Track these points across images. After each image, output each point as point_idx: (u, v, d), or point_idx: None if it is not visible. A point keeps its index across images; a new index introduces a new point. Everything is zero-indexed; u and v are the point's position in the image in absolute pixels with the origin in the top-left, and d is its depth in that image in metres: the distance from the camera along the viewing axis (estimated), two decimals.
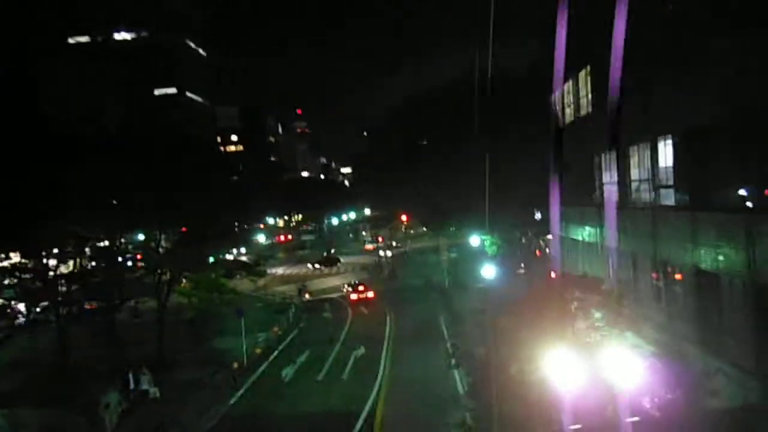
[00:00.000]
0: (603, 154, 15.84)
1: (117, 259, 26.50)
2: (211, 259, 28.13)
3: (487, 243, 27.56)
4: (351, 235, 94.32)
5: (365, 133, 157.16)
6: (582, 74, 16.99)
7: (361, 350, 24.96)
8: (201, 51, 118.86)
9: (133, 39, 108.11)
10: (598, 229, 16.65)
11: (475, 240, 26.60)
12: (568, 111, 19.06)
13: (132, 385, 19.66)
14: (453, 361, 21.07)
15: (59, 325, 24.50)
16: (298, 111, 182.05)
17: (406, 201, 48.93)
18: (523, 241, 29.83)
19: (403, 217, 61.18)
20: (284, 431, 17.17)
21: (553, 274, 23.94)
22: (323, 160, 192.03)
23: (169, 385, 21.48)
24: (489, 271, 16.85)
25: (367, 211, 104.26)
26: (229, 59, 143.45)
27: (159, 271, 25.25)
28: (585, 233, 18.48)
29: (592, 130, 15.99)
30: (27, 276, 24.35)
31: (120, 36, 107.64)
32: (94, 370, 23.55)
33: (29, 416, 17.78)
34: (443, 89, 38.31)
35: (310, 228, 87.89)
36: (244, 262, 32.76)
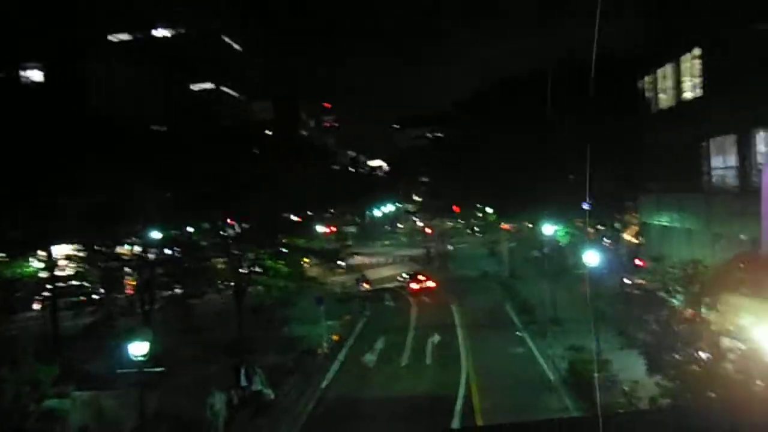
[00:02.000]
0: (713, 139, 15.64)
1: (196, 247, 27.32)
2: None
3: (560, 232, 27.43)
4: (387, 227, 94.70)
5: (396, 126, 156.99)
6: (686, 57, 16.76)
7: (436, 338, 25.29)
8: (236, 46, 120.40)
9: (171, 36, 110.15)
10: (700, 215, 16.45)
11: (548, 229, 26.59)
12: (663, 96, 18.82)
13: (244, 383, 17.87)
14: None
15: (144, 312, 25.39)
16: (326, 105, 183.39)
17: (456, 192, 48.96)
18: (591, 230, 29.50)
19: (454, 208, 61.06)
20: (385, 413, 17.52)
21: (639, 262, 23.86)
22: (351, 153, 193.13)
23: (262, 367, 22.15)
24: (592, 258, 16.80)
25: (399, 205, 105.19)
26: (262, 54, 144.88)
27: (238, 260, 25.99)
28: (680, 219, 18.28)
29: (699, 114, 15.78)
30: (115, 263, 25.30)
31: (158, 33, 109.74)
32: (182, 355, 24.36)
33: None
34: (501, 79, 38.18)
35: (349, 220, 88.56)
36: (327, 251, 33.36)
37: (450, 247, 53.54)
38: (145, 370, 11.93)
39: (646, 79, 19.85)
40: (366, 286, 37.69)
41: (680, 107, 17.63)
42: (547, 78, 28.05)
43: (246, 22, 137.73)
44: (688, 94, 16.96)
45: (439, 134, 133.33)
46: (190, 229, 30.43)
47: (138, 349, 11.21)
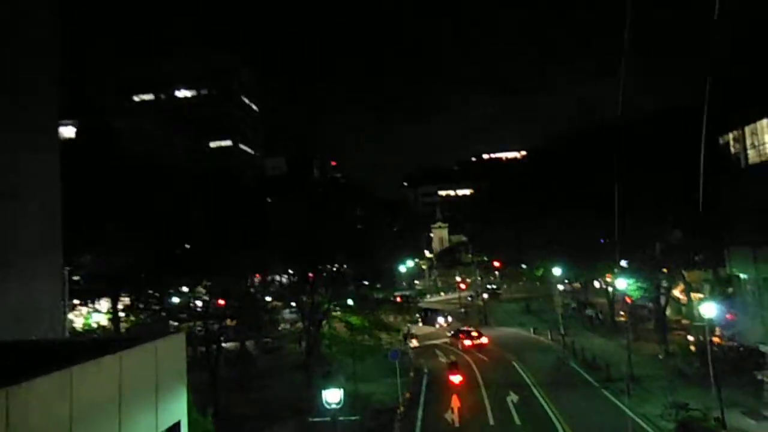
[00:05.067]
0: None
1: (262, 300, 26.88)
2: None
3: (631, 287, 27.19)
4: (404, 284, 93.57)
5: (405, 184, 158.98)
6: None
7: (514, 397, 24.35)
8: (254, 106, 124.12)
9: (192, 96, 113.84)
10: None
11: (621, 283, 26.40)
12: (753, 152, 19.23)
13: None
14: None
15: (210, 366, 24.57)
16: (333, 162, 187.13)
17: (491, 246, 48.80)
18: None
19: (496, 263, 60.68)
20: None
21: (728, 315, 23.39)
22: (358, 211, 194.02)
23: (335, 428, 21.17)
24: (709, 309, 16.53)
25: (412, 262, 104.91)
26: (276, 113, 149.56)
27: (309, 312, 25.50)
28: None
29: None
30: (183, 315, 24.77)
31: (181, 93, 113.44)
32: (243, 413, 23.33)
33: None
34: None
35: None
36: (403, 302, 32.86)
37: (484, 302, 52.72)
38: (340, 418, 11.31)
39: (731, 135, 20.35)
40: (414, 342, 36.74)
41: None
42: (605, 132, 28.64)
43: (264, 84, 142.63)
44: None
45: (454, 191, 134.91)
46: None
47: (332, 396, 10.69)
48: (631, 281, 27.17)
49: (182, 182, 33.91)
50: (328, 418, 11.29)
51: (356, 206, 31.61)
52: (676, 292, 33.68)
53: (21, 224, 14.58)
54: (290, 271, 28.07)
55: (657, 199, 24.87)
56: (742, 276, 20.83)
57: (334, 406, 10.73)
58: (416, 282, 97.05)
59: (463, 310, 49.98)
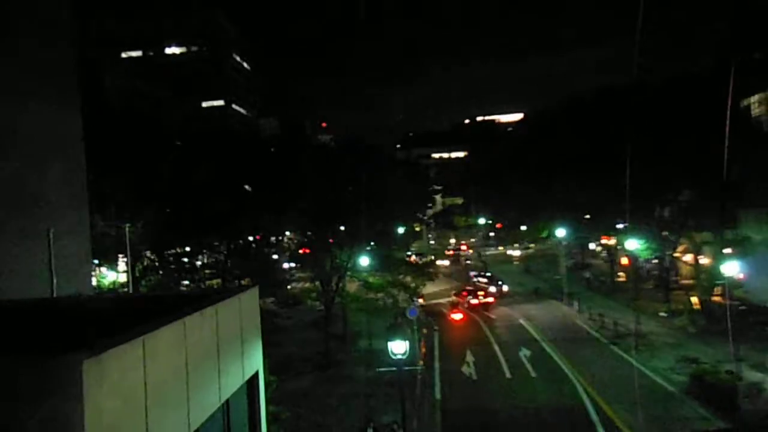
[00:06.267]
0: None
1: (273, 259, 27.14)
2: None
3: (641, 246, 27.83)
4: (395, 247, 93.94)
5: (399, 146, 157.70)
6: None
7: (527, 351, 25.19)
8: (246, 65, 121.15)
9: (182, 53, 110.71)
10: None
11: (632, 243, 27.02)
12: None
13: None
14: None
15: None
16: (323, 124, 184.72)
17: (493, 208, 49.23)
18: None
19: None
20: (517, 424, 17.35)
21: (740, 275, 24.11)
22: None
23: (352, 381, 21.95)
24: (731, 268, 17.08)
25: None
26: (269, 72, 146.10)
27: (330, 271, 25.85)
28: None
29: None
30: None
31: (171, 50, 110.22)
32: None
33: None
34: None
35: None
36: (419, 264, 33.38)
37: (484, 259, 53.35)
38: (405, 368, 11.72)
39: (753, 98, 20.48)
40: (421, 301, 37.42)
41: None
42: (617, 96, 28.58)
43: (254, 42, 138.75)
44: None
45: (448, 154, 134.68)
46: None
47: (398, 347, 11.05)
48: (641, 241, 27.79)
49: (186, 142, 33.51)
50: (394, 369, 11.71)
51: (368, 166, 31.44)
52: (677, 254, 34.60)
53: (49, 181, 14.57)
54: (308, 232, 28.22)
55: (669, 160, 25.15)
56: (755, 237, 21.42)
57: (399, 356, 11.12)
58: (412, 247, 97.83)
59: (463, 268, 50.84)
